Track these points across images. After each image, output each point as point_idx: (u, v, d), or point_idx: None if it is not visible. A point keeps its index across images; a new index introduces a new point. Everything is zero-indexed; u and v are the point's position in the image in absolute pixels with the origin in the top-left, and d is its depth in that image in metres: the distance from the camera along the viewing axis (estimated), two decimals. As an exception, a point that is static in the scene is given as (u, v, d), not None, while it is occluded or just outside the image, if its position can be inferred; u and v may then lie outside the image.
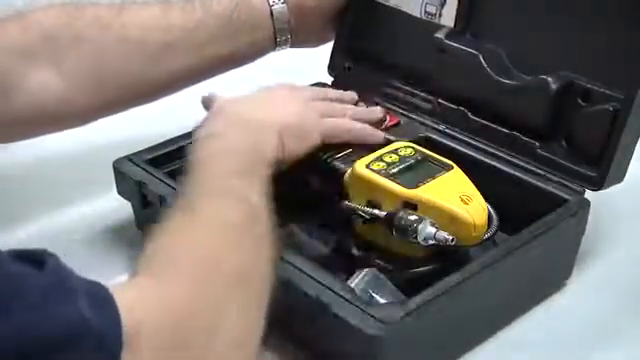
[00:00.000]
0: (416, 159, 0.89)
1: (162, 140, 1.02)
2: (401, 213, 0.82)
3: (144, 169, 0.97)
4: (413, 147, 0.91)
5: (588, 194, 0.91)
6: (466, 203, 0.83)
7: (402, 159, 0.89)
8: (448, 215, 0.82)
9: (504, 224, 0.88)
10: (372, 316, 0.75)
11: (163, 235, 0.72)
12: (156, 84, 1.01)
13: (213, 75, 1.04)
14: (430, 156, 0.90)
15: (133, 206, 1.00)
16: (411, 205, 0.84)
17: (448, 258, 0.86)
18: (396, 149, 0.90)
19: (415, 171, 0.87)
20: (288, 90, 0.96)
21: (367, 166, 0.87)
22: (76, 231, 1.03)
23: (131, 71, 0.98)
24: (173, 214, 0.74)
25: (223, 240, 0.73)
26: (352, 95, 1.02)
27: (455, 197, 0.84)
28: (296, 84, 1.00)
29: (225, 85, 1.07)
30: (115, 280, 0.94)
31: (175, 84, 1.03)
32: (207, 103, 0.92)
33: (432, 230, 0.81)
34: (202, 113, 1.08)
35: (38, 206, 1.07)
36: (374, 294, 0.82)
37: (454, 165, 0.88)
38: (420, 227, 0.81)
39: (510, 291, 0.86)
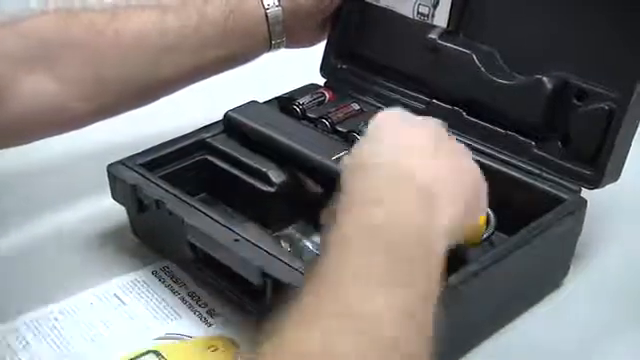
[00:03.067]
0: (413, 160, 0.89)
1: (155, 143, 1.02)
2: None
3: (139, 173, 0.96)
4: (410, 148, 0.91)
5: (584, 192, 0.91)
6: (465, 203, 0.83)
7: (399, 160, 0.88)
8: (447, 216, 0.82)
9: (501, 224, 0.88)
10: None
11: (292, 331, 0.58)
12: (152, 88, 1.01)
13: (208, 77, 1.05)
14: (427, 156, 0.89)
15: (128, 211, 1.00)
16: (410, 206, 0.83)
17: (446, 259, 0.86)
18: (393, 150, 0.90)
19: (413, 172, 0.87)
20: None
21: (365, 167, 0.87)
22: (69, 236, 1.03)
23: (126, 75, 0.98)
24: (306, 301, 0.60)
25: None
26: None
27: (454, 197, 0.83)
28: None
29: (217, 85, 1.08)
30: (108, 284, 0.95)
31: (170, 87, 1.03)
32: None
33: (432, 231, 0.80)
34: (194, 116, 1.09)
35: (31, 210, 1.06)
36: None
37: (451, 165, 0.88)
38: (420, 228, 0.81)
39: (509, 291, 0.86)
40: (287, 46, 1.07)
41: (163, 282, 0.95)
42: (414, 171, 0.70)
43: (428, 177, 0.70)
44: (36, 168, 1.15)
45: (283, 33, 1.05)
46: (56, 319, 0.91)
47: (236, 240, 0.85)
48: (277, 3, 1.03)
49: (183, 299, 0.93)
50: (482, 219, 0.84)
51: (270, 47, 1.06)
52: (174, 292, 0.94)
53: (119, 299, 0.94)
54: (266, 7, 1.03)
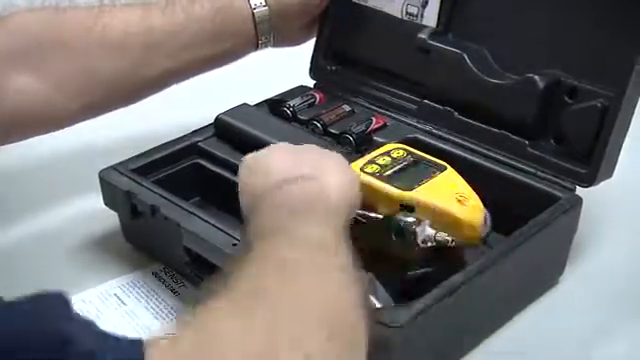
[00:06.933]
0: (409, 161, 0.89)
1: (146, 147, 1.02)
2: (399, 215, 0.82)
3: (132, 179, 0.95)
4: (405, 149, 0.91)
5: (578, 190, 0.91)
6: (463, 204, 0.83)
7: (395, 161, 0.88)
8: (446, 216, 0.82)
9: (496, 223, 0.87)
10: (376, 319, 0.74)
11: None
12: (138, 86, 1.00)
13: (194, 75, 1.04)
14: (423, 157, 0.89)
15: (120, 216, 0.99)
16: (408, 207, 0.84)
17: (443, 260, 0.86)
18: (388, 151, 0.90)
19: (410, 173, 0.87)
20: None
21: (361, 169, 0.87)
22: (69, 236, 1.03)
23: (113, 73, 0.98)
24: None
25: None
26: None
27: (452, 198, 0.84)
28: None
29: (207, 88, 1.08)
30: (108, 284, 0.94)
31: (157, 85, 1.02)
32: None
33: (432, 232, 0.81)
34: (184, 119, 1.08)
35: (29, 212, 1.06)
36: (371, 298, 0.82)
37: (447, 165, 0.88)
38: (419, 229, 0.81)
39: (506, 291, 0.87)
40: (274, 45, 1.07)
41: (163, 282, 0.95)
42: None
43: None
44: (34, 169, 1.15)
45: (270, 32, 1.05)
46: (56, 319, 0.91)
47: (234, 244, 0.85)
48: (264, 3, 1.03)
49: (183, 299, 0.93)
50: (480, 219, 0.84)
51: (257, 46, 1.05)
52: (174, 292, 0.94)
53: (119, 299, 0.94)
54: (253, 6, 1.02)
